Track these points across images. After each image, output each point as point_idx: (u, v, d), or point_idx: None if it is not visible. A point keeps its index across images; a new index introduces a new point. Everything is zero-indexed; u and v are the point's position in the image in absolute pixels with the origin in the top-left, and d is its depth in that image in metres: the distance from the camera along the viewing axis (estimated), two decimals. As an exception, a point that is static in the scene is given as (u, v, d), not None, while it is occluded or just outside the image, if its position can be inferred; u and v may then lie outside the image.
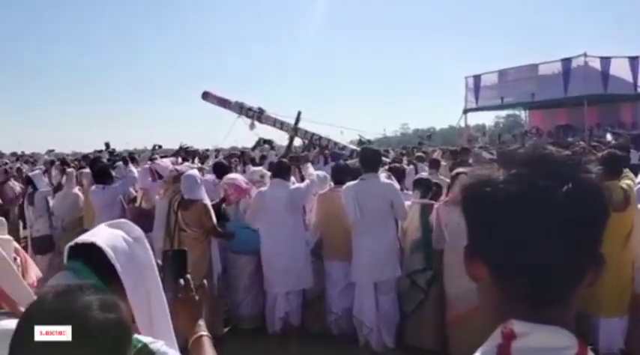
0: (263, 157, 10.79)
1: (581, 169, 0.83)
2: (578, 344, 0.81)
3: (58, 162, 11.31)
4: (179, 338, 1.76)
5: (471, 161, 7.77)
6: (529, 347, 0.80)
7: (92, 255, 1.61)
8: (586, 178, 0.82)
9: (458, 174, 4.82)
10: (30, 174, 8.42)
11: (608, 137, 9.42)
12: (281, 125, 13.03)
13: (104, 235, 1.67)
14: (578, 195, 0.79)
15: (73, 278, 1.53)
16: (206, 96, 13.90)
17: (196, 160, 10.40)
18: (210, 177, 6.29)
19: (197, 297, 1.69)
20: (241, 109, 13.11)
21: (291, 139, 12.73)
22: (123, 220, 1.84)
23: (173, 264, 1.72)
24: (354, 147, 12.45)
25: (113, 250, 1.62)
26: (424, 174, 6.57)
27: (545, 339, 0.80)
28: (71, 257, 1.66)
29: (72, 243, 1.67)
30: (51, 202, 7.25)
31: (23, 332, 1.12)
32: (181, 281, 1.68)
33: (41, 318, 1.12)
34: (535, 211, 0.79)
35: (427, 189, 5.46)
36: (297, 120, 12.77)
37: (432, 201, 5.24)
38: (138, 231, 1.78)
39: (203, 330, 1.66)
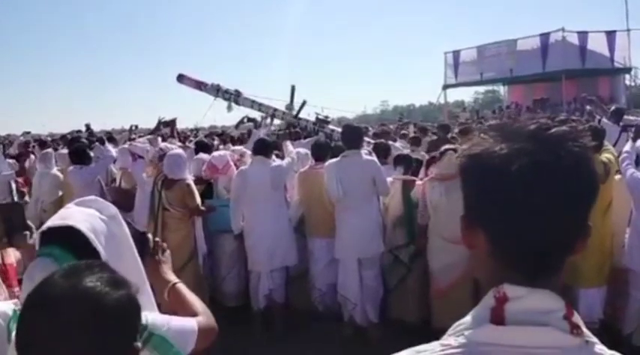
0: (249, 133, 10.78)
1: (577, 144, 0.87)
2: (565, 306, 0.86)
3: (35, 144, 11.10)
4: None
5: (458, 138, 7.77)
6: (522, 310, 0.85)
7: (66, 238, 1.55)
8: (581, 154, 0.87)
9: (446, 150, 4.82)
10: None
11: (588, 108, 9.55)
12: (259, 107, 12.86)
13: (79, 217, 1.60)
14: (574, 170, 0.85)
15: (53, 265, 1.46)
16: (181, 78, 13.61)
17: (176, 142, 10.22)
18: (205, 155, 6.18)
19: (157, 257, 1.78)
20: (218, 92, 12.89)
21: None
22: (92, 197, 1.77)
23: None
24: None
25: (93, 232, 1.56)
26: (406, 151, 6.62)
27: (537, 302, 0.85)
28: (44, 241, 1.59)
29: (44, 228, 1.60)
30: (13, 185, 7.08)
31: (34, 315, 1.09)
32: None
33: (52, 300, 1.08)
34: (535, 184, 0.83)
35: (408, 165, 5.54)
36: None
37: (414, 177, 5.32)
38: (111, 207, 1.72)
39: (174, 278, 1.66)
